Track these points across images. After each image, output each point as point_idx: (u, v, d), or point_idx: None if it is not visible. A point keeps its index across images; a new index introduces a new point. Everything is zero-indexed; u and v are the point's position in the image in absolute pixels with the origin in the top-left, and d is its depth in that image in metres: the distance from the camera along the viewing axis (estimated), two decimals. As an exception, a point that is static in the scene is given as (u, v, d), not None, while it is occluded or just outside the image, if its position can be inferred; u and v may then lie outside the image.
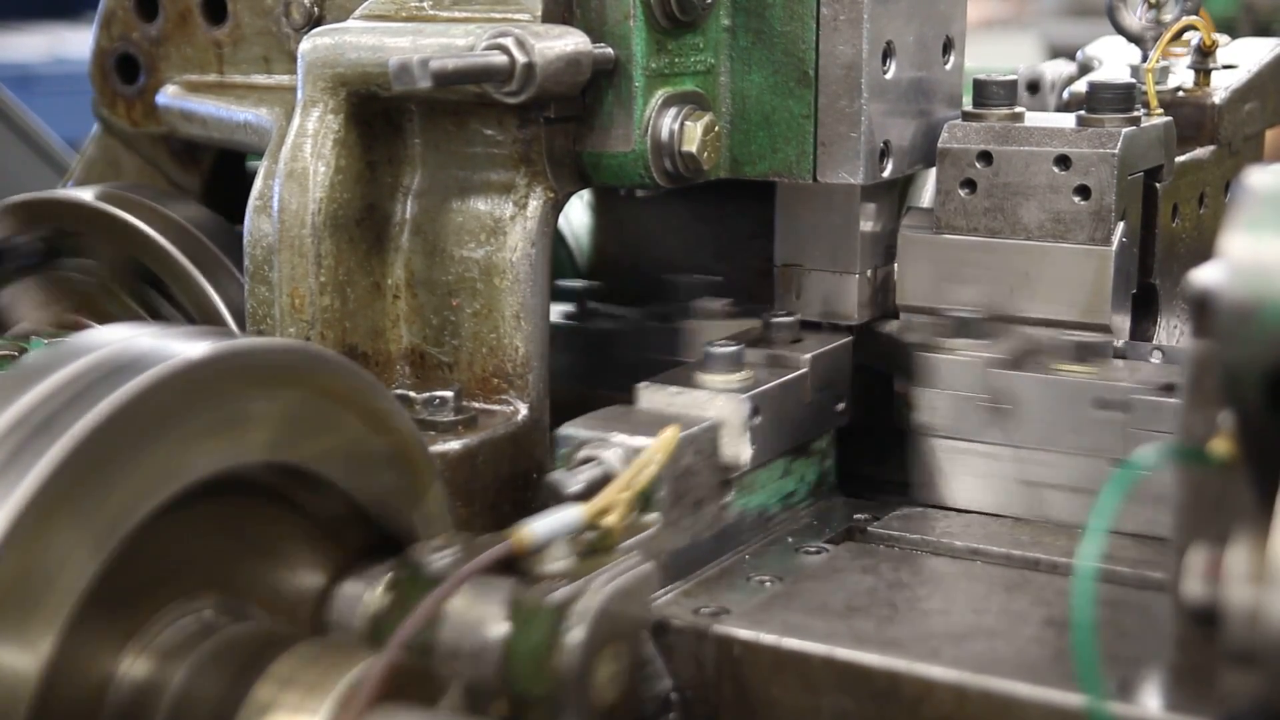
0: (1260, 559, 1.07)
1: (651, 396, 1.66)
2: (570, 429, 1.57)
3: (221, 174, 2.19)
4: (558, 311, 2.06)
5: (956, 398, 1.75)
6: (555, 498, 1.47)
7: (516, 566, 1.34)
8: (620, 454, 1.52)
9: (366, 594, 1.34)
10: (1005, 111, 1.84)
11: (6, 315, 2.06)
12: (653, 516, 1.52)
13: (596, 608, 1.31)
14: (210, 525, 1.26)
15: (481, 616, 1.30)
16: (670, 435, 1.46)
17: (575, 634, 1.29)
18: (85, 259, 2.03)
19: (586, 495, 1.44)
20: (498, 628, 1.29)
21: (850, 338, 1.84)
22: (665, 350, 1.95)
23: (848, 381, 1.84)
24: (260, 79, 1.99)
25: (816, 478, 1.81)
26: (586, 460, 1.53)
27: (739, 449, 1.63)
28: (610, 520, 1.39)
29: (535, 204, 1.69)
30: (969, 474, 1.75)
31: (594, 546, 1.39)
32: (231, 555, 1.29)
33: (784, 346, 1.79)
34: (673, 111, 1.71)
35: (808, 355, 1.76)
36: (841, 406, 1.82)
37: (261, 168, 1.73)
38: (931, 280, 1.85)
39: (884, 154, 1.80)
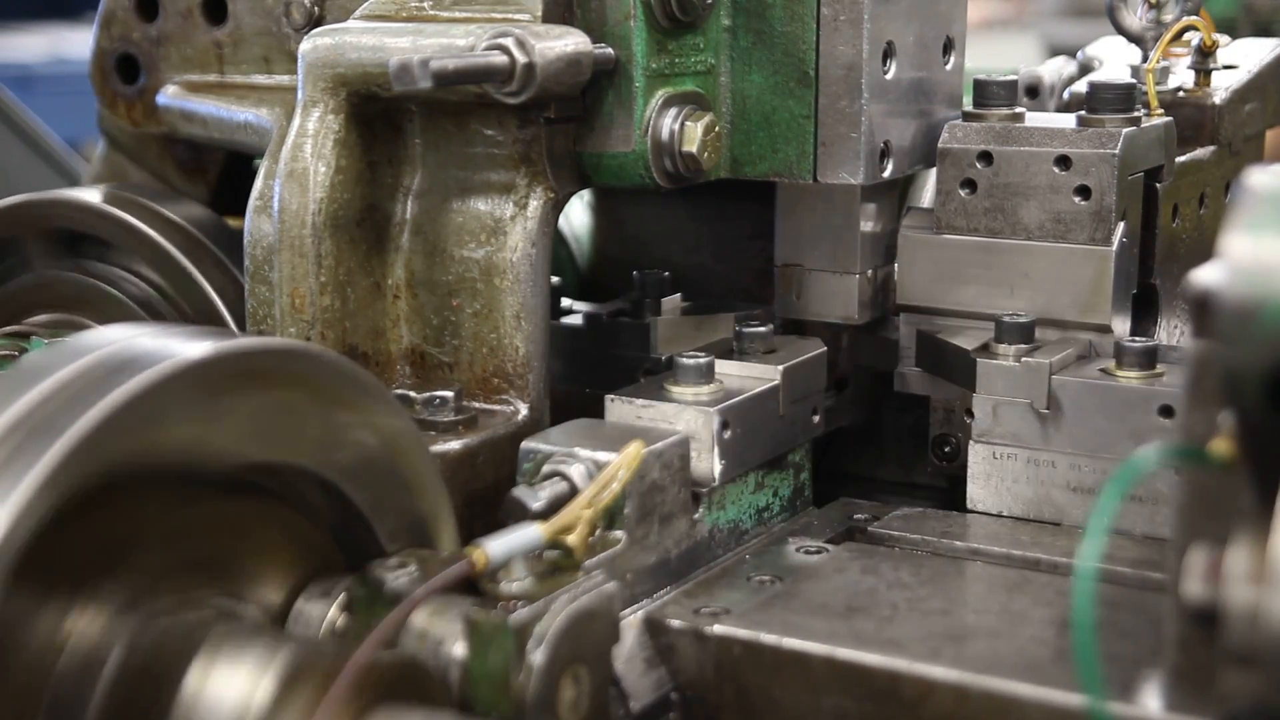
0: (1260, 559, 1.07)
1: (619, 409, 1.64)
2: (533, 443, 1.53)
3: (228, 184, 2.19)
4: (557, 311, 2.06)
5: (1014, 405, 1.72)
6: (517, 514, 1.43)
7: (478, 586, 1.30)
8: (584, 469, 1.48)
9: (326, 609, 1.32)
10: (1005, 112, 1.84)
11: (9, 312, 2.06)
12: (618, 534, 1.49)
13: (557, 629, 1.27)
14: (212, 523, 1.27)
15: (440, 636, 1.27)
16: (635, 450, 1.41)
17: (535, 656, 1.26)
18: (86, 259, 2.03)
19: (549, 512, 1.40)
20: (457, 648, 1.26)
21: (824, 349, 1.81)
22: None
23: (823, 392, 1.81)
24: (260, 79, 1.99)
25: (791, 491, 1.78)
26: (550, 475, 1.49)
27: (709, 464, 1.61)
28: (572, 539, 1.35)
29: (535, 204, 1.69)
30: (1020, 481, 1.73)
31: (557, 565, 1.35)
32: (214, 549, 1.28)
33: (756, 357, 1.75)
34: (673, 112, 1.71)
35: (780, 366, 1.72)
36: (817, 418, 1.80)
37: (262, 168, 1.73)
38: (932, 280, 1.85)
39: (884, 154, 1.80)
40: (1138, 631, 1.40)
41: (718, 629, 1.46)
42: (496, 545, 1.30)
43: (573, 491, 1.46)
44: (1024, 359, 1.71)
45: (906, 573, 1.59)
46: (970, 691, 1.34)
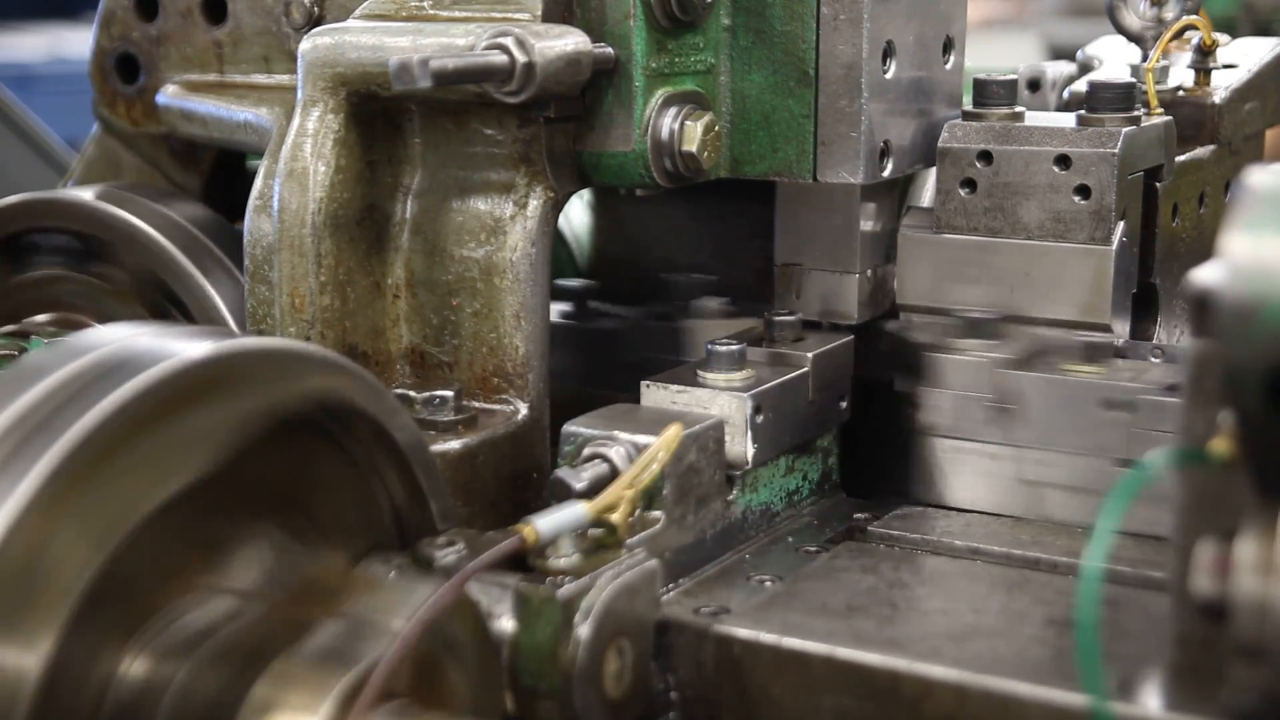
0: (1268, 552, 1.07)
1: (655, 395, 1.67)
2: (575, 426, 1.58)
3: (221, 174, 2.19)
4: (557, 311, 2.06)
5: (962, 397, 1.75)
6: (561, 494, 1.48)
7: (523, 562, 1.35)
8: (624, 451, 1.53)
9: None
10: (1005, 111, 1.84)
11: (9, 312, 2.06)
12: (657, 514, 1.53)
13: (603, 603, 1.33)
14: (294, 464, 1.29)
15: (489, 612, 1.32)
16: (673, 433, 1.46)
17: (582, 629, 1.31)
18: (86, 259, 2.03)
19: (591, 492, 1.46)
20: (505, 623, 1.31)
21: (851, 337, 1.84)
22: (665, 350, 1.95)
23: (849, 379, 1.84)
24: (260, 79, 1.99)
25: (819, 475, 1.81)
26: (591, 458, 1.54)
27: (742, 447, 1.64)
28: (615, 517, 1.40)
29: (535, 203, 1.69)
30: (972, 473, 1.75)
31: (599, 543, 1.40)
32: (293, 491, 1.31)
33: (786, 345, 1.80)
34: (673, 111, 1.71)
35: (810, 353, 1.76)
36: (844, 404, 1.83)
37: (261, 167, 1.73)
38: (931, 280, 1.85)
39: (884, 154, 1.80)
40: (1138, 631, 1.40)
41: (718, 628, 1.46)
42: (545, 522, 1.35)
43: (613, 473, 1.51)
44: (979, 354, 1.75)
45: (906, 573, 1.59)
46: (970, 691, 1.34)
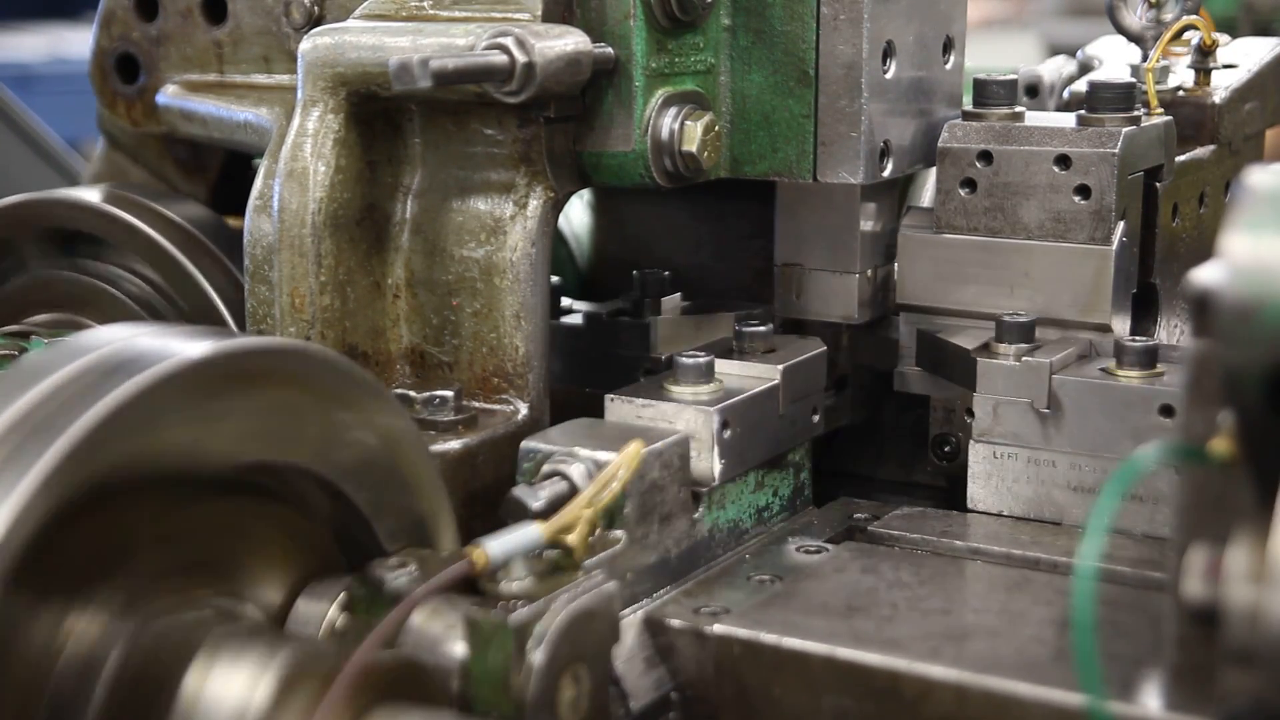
0: (1260, 558, 1.07)
1: (619, 409, 1.63)
2: (533, 442, 1.53)
3: (228, 183, 2.19)
4: (558, 311, 2.06)
5: (1014, 404, 1.71)
6: (517, 514, 1.42)
7: (477, 585, 1.30)
8: (584, 469, 1.48)
9: (326, 609, 1.32)
10: (1005, 111, 1.84)
11: (9, 312, 2.06)
12: (618, 533, 1.49)
13: (557, 628, 1.27)
14: (210, 523, 1.26)
15: (440, 636, 1.27)
16: (634, 450, 1.41)
17: (536, 656, 1.26)
18: (86, 259, 2.03)
19: (549, 512, 1.40)
20: (457, 648, 1.26)
21: (824, 348, 1.81)
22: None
23: (822, 391, 1.81)
24: (260, 79, 1.99)
25: (791, 491, 1.78)
26: (550, 475, 1.49)
27: (709, 463, 1.61)
28: (572, 538, 1.34)
29: (535, 203, 1.69)
30: (1021, 480, 1.73)
31: (557, 564, 1.35)
32: (213, 550, 1.28)
33: (756, 356, 1.75)
34: (673, 111, 1.71)
35: (780, 365, 1.72)
36: (817, 417, 1.80)
37: (261, 167, 1.73)
38: (931, 280, 1.85)
39: (884, 154, 1.80)
40: (1138, 631, 1.40)
41: (718, 628, 1.46)
42: (496, 545, 1.30)
43: (573, 491, 1.46)
44: (1024, 358, 1.71)
45: (906, 572, 1.59)
46: (970, 691, 1.34)
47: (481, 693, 1.26)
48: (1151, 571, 1.52)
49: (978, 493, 1.75)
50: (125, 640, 1.18)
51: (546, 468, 1.50)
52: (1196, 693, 1.22)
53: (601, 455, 1.48)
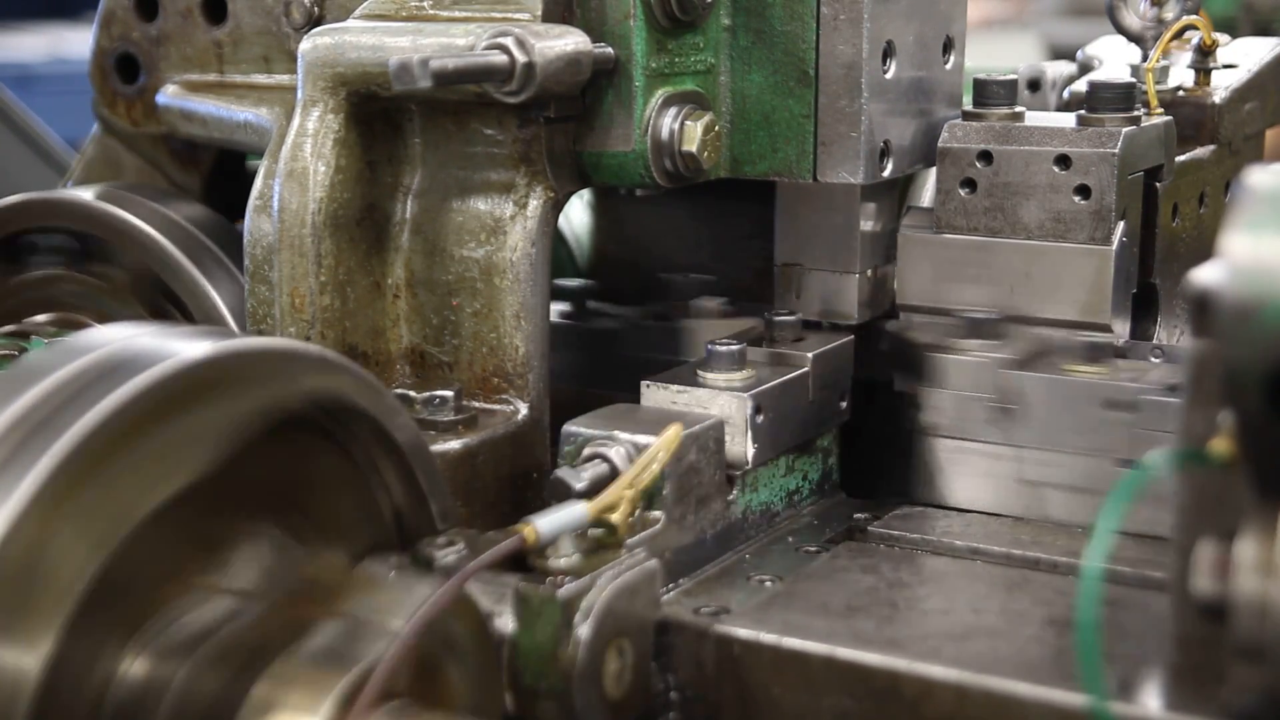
0: (1268, 553, 1.07)
1: (655, 394, 1.67)
2: (575, 426, 1.57)
3: (221, 173, 2.19)
4: (557, 311, 2.06)
5: (963, 398, 1.75)
6: (561, 494, 1.48)
7: (523, 562, 1.35)
8: (624, 451, 1.53)
9: None
10: (1005, 111, 1.84)
11: (9, 312, 2.06)
12: (657, 514, 1.53)
13: (603, 603, 1.33)
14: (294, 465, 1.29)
15: (490, 611, 1.32)
16: (673, 433, 1.46)
17: (582, 629, 1.31)
18: (86, 259, 2.03)
19: (591, 492, 1.46)
20: (505, 623, 1.31)
21: (851, 337, 1.84)
22: (665, 350, 1.95)
23: (850, 379, 1.84)
24: (260, 79, 1.99)
25: (820, 475, 1.81)
26: (591, 458, 1.53)
27: (742, 447, 1.64)
28: (615, 517, 1.40)
29: (535, 203, 1.69)
30: (973, 474, 1.75)
31: (599, 543, 1.40)
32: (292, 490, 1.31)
33: (786, 345, 1.80)
34: (673, 111, 1.71)
35: (810, 353, 1.76)
36: (845, 404, 1.83)
37: (261, 167, 1.73)
38: (931, 280, 1.85)
39: (884, 154, 1.80)
40: (1138, 631, 1.40)
41: (718, 628, 1.46)
42: (545, 522, 1.35)
43: (613, 473, 1.51)
44: (981, 354, 1.74)
45: (906, 572, 1.59)
46: (970, 691, 1.34)
47: (530, 664, 1.31)
48: (1152, 571, 1.52)
49: (945, 488, 1.78)
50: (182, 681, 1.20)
51: (588, 450, 1.54)
52: (1197, 692, 1.22)
53: (641, 439, 1.53)
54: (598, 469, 1.52)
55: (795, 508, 1.77)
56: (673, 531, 1.55)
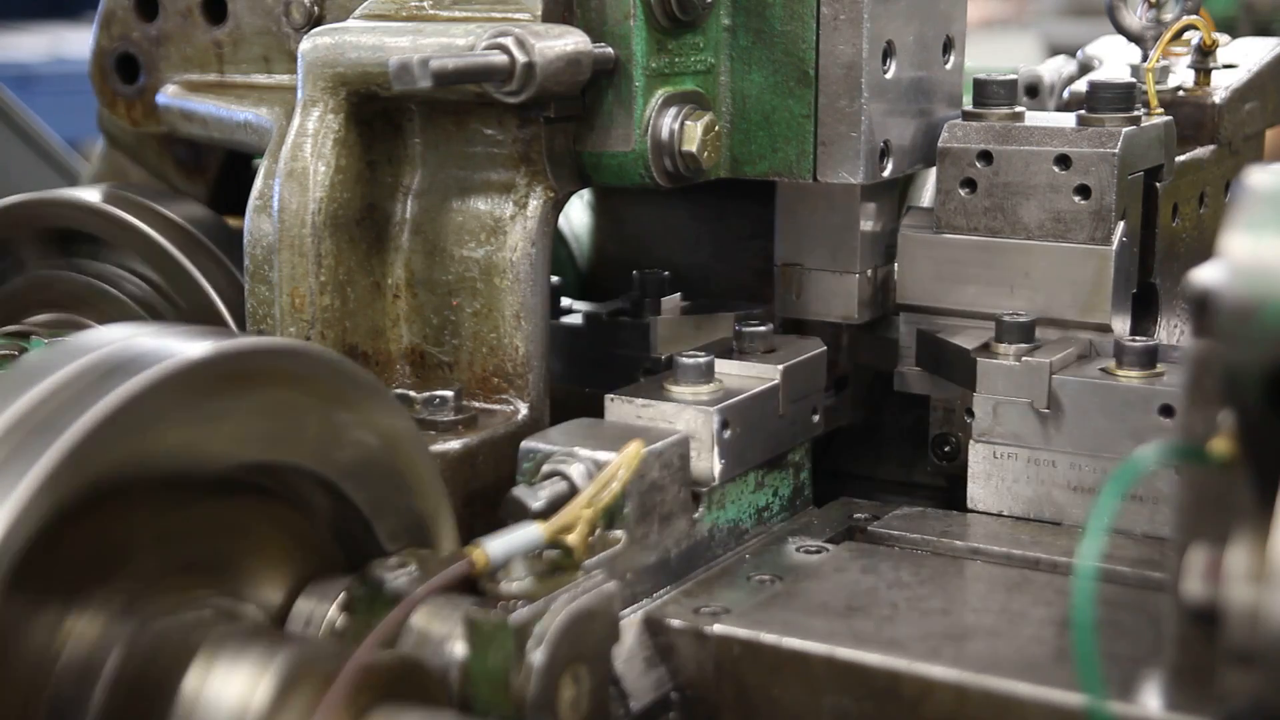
0: (1260, 558, 1.07)
1: (619, 408, 1.63)
2: (533, 443, 1.53)
3: (228, 184, 2.19)
4: (557, 311, 2.06)
5: (1014, 404, 1.71)
6: (517, 514, 1.42)
7: (477, 585, 1.30)
8: (584, 469, 1.48)
9: (326, 609, 1.32)
10: (1005, 111, 1.84)
11: (9, 312, 2.06)
12: (618, 533, 1.49)
13: (557, 628, 1.27)
14: (210, 524, 1.26)
15: (441, 636, 1.27)
16: (635, 449, 1.40)
17: (535, 656, 1.26)
18: (85, 259, 2.03)
19: (549, 512, 1.40)
20: (457, 648, 1.26)
21: (824, 348, 1.80)
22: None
23: (822, 391, 1.81)
24: (260, 79, 1.99)
25: (791, 491, 1.78)
26: (550, 475, 1.49)
27: (709, 463, 1.60)
28: (572, 538, 1.34)
29: (535, 203, 1.69)
30: (1021, 480, 1.72)
31: (557, 564, 1.34)
32: (212, 550, 1.28)
33: (756, 357, 1.75)
34: (673, 111, 1.71)
35: (780, 366, 1.72)
36: (817, 417, 1.79)
37: (261, 167, 1.73)
38: (931, 280, 1.85)
39: (884, 154, 1.80)
40: (1138, 631, 1.40)
41: (718, 628, 1.46)
42: (496, 545, 1.30)
43: (572, 491, 1.46)
44: (1024, 358, 1.71)
45: (906, 572, 1.59)
46: (970, 691, 1.34)
47: (482, 692, 1.26)
48: (1151, 571, 1.52)
49: (977, 493, 1.75)
50: (125, 641, 1.18)
51: (546, 468, 1.49)
52: (1196, 693, 1.22)
53: (601, 455, 1.48)
54: (556, 487, 1.46)
55: (765, 525, 1.73)
56: (635, 552, 1.51)
